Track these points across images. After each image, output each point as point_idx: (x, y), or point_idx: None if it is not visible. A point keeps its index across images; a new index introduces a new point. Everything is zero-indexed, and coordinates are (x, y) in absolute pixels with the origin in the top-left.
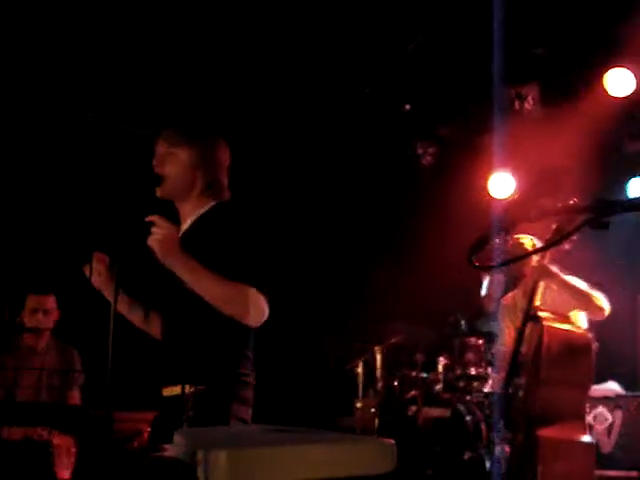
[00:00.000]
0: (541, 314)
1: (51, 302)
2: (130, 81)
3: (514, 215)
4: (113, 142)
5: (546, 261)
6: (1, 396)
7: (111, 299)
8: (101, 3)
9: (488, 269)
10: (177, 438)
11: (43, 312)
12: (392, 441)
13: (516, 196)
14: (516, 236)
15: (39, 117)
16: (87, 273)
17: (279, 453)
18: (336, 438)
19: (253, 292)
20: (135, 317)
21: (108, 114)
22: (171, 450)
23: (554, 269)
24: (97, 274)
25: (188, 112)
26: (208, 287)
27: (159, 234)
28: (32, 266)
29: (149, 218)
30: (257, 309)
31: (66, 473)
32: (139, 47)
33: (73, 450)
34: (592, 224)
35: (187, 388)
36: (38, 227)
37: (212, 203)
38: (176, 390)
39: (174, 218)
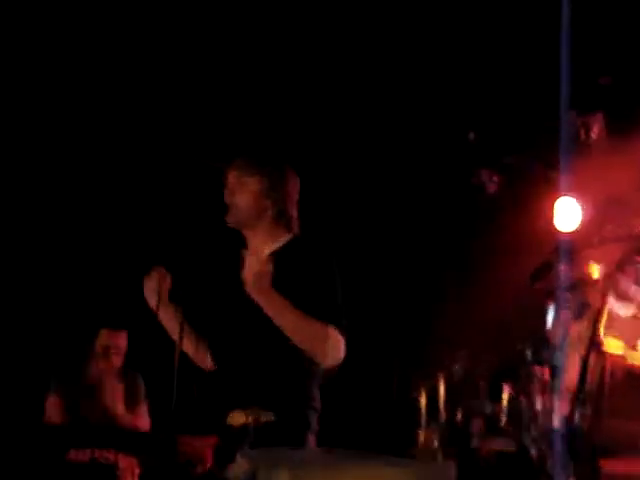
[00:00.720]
0: (605, 342)
1: (123, 339)
2: (200, 113)
3: (577, 242)
4: (187, 175)
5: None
6: (71, 419)
7: (164, 320)
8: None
9: (550, 294)
10: (239, 459)
11: (114, 349)
12: (451, 462)
13: (580, 225)
14: (587, 265)
15: (119, 147)
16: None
17: (340, 472)
18: (396, 461)
19: (333, 332)
20: (188, 347)
21: (186, 149)
22: (233, 470)
23: (623, 281)
24: (153, 291)
25: (258, 144)
26: (293, 325)
27: (256, 269)
28: (105, 300)
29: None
30: (336, 349)
31: None
32: (209, 82)
33: (137, 472)
34: None
35: (253, 416)
36: (109, 261)
37: (287, 237)
38: (244, 418)
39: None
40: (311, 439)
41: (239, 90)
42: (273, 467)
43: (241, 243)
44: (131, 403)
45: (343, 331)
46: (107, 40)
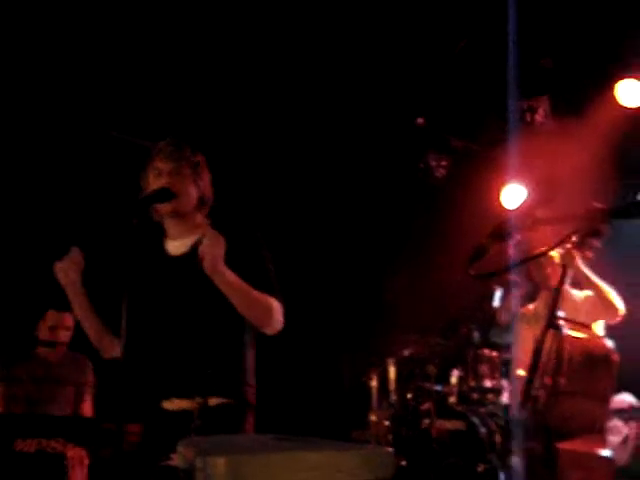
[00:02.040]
0: (562, 323)
1: (70, 319)
2: (131, 92)
3: (511, 224)
4: (115, 152)
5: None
6: (16, 408)
7: (73, 299)
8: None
9: (487, 277)
10: (180, 447)
11: (63, 329)
12: (390, 449)
13: (520, 207)
14: (543, 248)
15: (49, 128)
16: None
17: (277, 459)
18: (334, 445)
19: (275, 302)
20: (91, 329)
21: (109, 125)
22: (175, 459)
23: (578, 261)
24: (65, 272)
25: (179, 126)
26: (243, 298)
27: (216, 247)
28: (52, 282)
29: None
30: (278, 319)
31: None
32: (138, 58)
33: (86, 462)
34: (588, 232)
35: (199, 400)
36: (57, 242)
37: (207, 220)
38: (185, 403)
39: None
40: (250, 418)
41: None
42: (210, 455)
43: (159, 228)
44: (79, 390)
45: (281, 300)
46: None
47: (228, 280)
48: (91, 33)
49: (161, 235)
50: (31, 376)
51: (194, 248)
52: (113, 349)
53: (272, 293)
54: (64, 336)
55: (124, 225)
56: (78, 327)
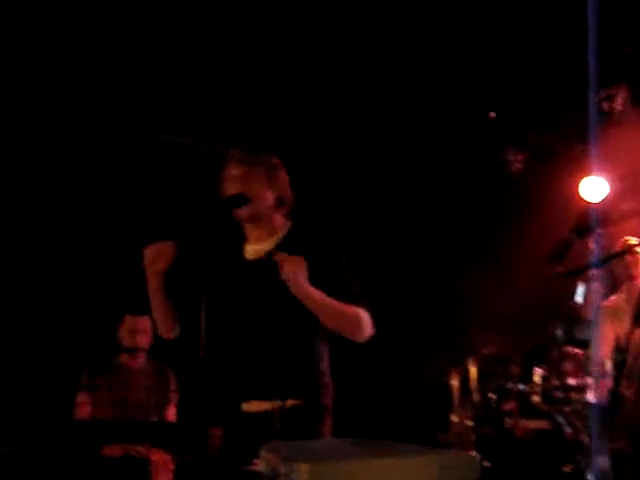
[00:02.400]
0: None
1: (147, 323)
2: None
3: (598, 218)
4: (185, 159)
5: None
6: (101, 415)
7: (152, 289)
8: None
9: (574, 274)
10: (263, 452)
11: (141, 333)
12: (475, 453)
13: (604, 200)
14: (625, 238)
15: (112, 139)
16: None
17: (360, 466)
18: (417, 450)
19: (363, 312)
20: (158, 312)
21: (179, 132)
22: (258, 464)
23: None
24: (153, 260)
25: (247, 133)
26: (329, 312)
27: (297, 267)
28: (128, 287)
29: (277, 257)
30: (368, 327)
31: None
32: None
33: (170, 466)
34: None
35: (278, 403)
36: (135, 248)
37: (288, 225)
38: (265, 405)
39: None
40: (328, 421)
41: (231, 78)
42: (295, 461)
43: (240, 233)
44: (162, 396)
45: (367, 307)
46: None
47: (313, 298)
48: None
49: (242, 239)
50: (115, 384)
51: (270, 253)
52: (174, 332)
53: (358, 303)
54: (142, 341)
55: (205, 230)
56: (158, 337)
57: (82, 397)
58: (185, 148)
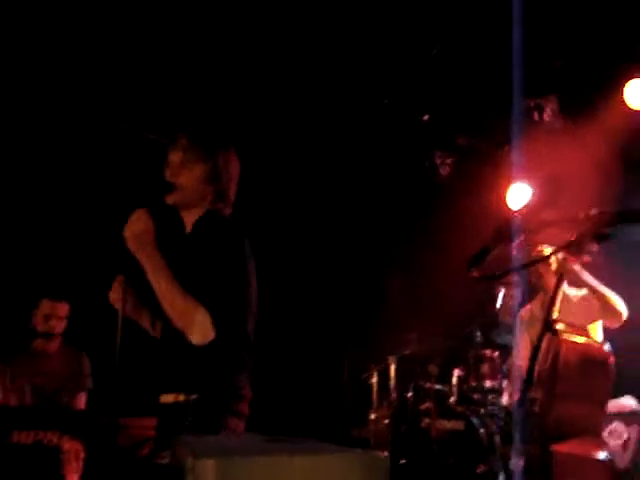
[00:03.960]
0: (559, 326)
1: (65, 309)
2: (139, 85)
3: (515, 226)
4: (123, 146)
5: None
6: (13, 400)
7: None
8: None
9: (489, 279)
10: (174, 445)
11: (56, 318)
12: (385, 454)
13: (525, 207)
14: (539, 247)
15: (53, 122)
16: (114, 298)
17: (267, 463)
18: (327, 449)
19: (202, 313)
20: (144, 321)
21: (119, 119)
22: (169, 457)
23: (577, 267)
24: (119, 298)
25: (200, 120)
26: (164, 291)
27: (136, 226)
28: (46, 271)
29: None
30: (200, 330)
31: (75, 477)
32: (148, 52)
33: (82, 455)
34: (592, 236)
35: (184, 396)
36: (53, 232)
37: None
38: (172, 398)
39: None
40: (234, 423)
41: (180, 64)
42: (200, 457)
43: (177, 219)
44: (75, 382)
45: (216, 314)
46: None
47: (151, 267)
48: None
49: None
50: (28, 369)
51: (187, 238)
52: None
53: (205, 304)
54: (58, 326)
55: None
56: (71, 319)
57: None
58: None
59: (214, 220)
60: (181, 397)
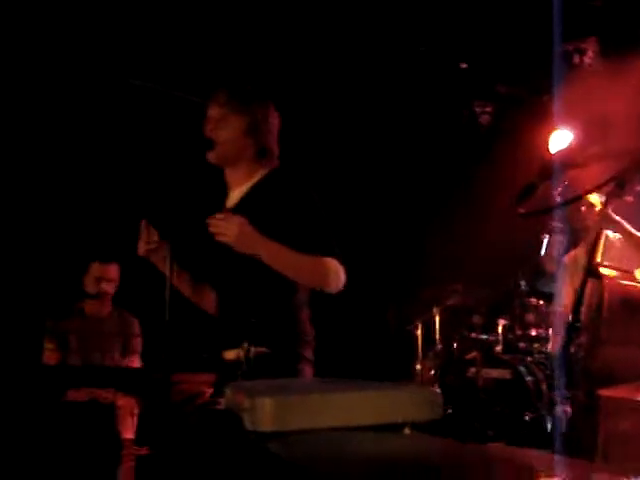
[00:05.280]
0: (603, 270)
1: (114, 271)
2: (177, 47)
3: (562, 163)
4: (162, 109)
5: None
6: (67, 360)
7: (159, 265)
8: None
9: (536, 215)
10: (227, 391)
11: (107, 281)
12: (438, 390)
13: (568, 147)
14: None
15: (85, 86)
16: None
17: (325, 399)
18: (382, 386)
19: (334, 263)
20: (184, 287)
21: (156, 81)
22: (222, 403)
23: (617, 218)
24: (145, 243)
25: (238, 76)
26: (292, 267)
27: (232, 230)
28: (95, 234)
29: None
30: (338, 278)
31: (129, 433)
32: (184, 14)
33: (136, 411)
34: (630, 176)
35: (247, 350)
36: (98, 196)
37: (265, 171)
38: (236, 353)
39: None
40: (307, 370)
41: (221, 22)
42: (256, 396)
43: (221, 178)
44: (126, 342)
45: (340, 258)
46: None
47: (270, 254)
48: None
49: (223, 185)
50: (80, 329)
51: (242, 200)
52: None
53: (328, 253)
54: (109, 287)
55: (185, 178)
56: (122, 282)
57: (48, 342)
58: (163, 97)
59: (276, 179)
60: (244, 352)
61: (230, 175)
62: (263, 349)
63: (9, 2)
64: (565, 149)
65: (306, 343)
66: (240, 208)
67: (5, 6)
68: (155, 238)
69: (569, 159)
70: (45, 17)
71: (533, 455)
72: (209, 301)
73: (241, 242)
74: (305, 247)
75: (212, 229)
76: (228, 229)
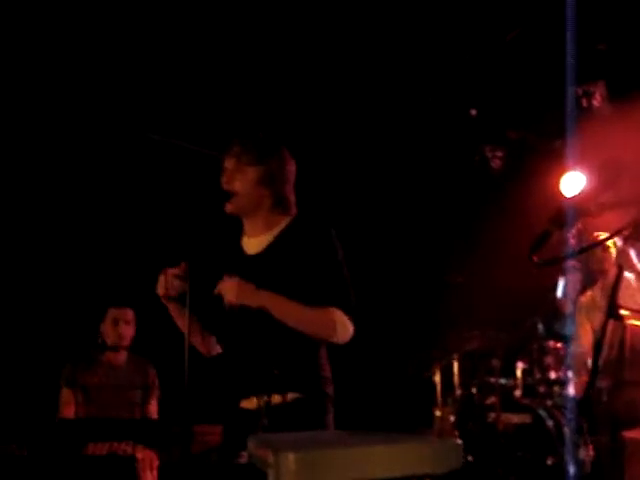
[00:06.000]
0: (622, 312)
1: (130, 315)
2: (193, 101)
3: (576, 210)
4: (181, 163)
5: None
6: (84, 413)
7: (174, 314)
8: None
9: (551, 264)
10: (250, 444)
11: (124, 323)
12: (458, 440)
13: (581, 192)
14: (596, 233)
15: (105, 140)
16: (160, 287)
17: (347, 454)
18: (402, 438)
19: (339, 315)
20: (194, 336)
21: (174, 135)
22: (245, 456)
23: (634, 259)
24: (170, 287)
25: (252, 126)
26: (294, 318)
27: (230, 289)
28: (111, 281)
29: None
30: (343, 329)
31: None
32: (199, 68)
33: (156, 463)
34: None
35: (264, 399)
36: (119, 243)
37: (287, 219)
38: (254, 403)
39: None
40: (329, 422)
41: (232, 75)
42: (280, 451)
43: (239, 229)
44: (144, 392)
45: (349, 309)
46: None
47: (270, 304)
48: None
49: (239, 233)
50: (98, 382)
51: (268, 248)
52: (215, 349)
53: (336, 304)
54: (127, 332)
55: (201, 226)
56: (140, 334)
57: (65, 394)
58: (181, 151)
59: (299, 227)
60: (261, 400)
61: (248, 225)
62: (292, 395)
63: (29, 55)
64: (578, 194)
65: (328, 381)
66: (265, 256)
67: (25, 59)
68: (176, 272)
69: (583, 205)
70: (63, 70)
71: None
72: (212, 347)
73: (242, 298)
74: (313, 297)
75: (217, 292)
76: (227, 289)
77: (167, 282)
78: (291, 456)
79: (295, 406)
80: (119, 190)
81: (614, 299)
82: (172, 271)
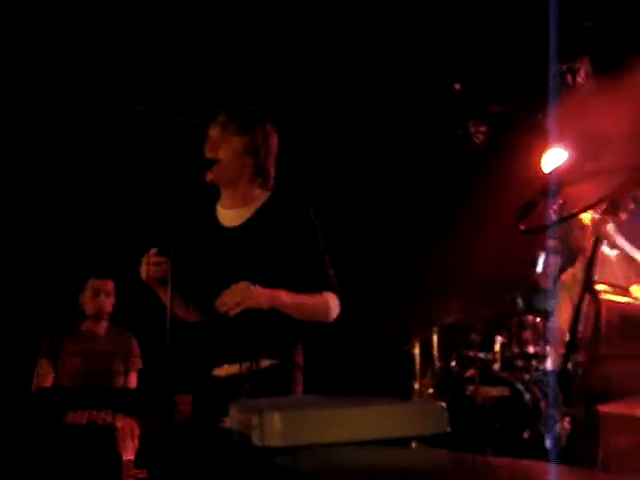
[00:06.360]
0: (599, 287)
1: (111, 286)
2: (180, 71)
3: (561, 180)
4: (165, 133)
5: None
6: (65, 382)
7: (158, 292)
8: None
9: (535, 232)
10: (232, 410)
11: (104, 294)
12: (443, 404)
13: (565, 164)
14: (576, 209)
15: (92, 110)
16: (143, 273)
17: (333, 415)
18: (389, 401)
19: (332, 298)
20: (177, 309)
21: (159, 105)
22: (228, 422)
23: (611, 231)
24: (156, 268)
25: (238, 97)
26: (299, 312)
27: (257, 296)
28: (92, 251)
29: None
30: (334, 311)
31: (130, 454)
32: (187, 37)
33: (136, 432)
34: (624, 194)
35: (244, 367)
36: (97, 214)
37: (266, 194)
38: (233, 369)
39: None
40: (299, 376)
41: (220, 43)
42: (265, 412)
43: (212, 199)
44: (125, 362)
45: (336, 290)
46: None
47: (285, 305)
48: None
49: (214, 202)
50: (78, 350)
51: (248, 221)
52: (195, 316)
53: (326, 288)
54: (107, 303)
55: (178, 195)
56: (121, 303)
57: (44, 364)
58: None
59: (279, 204)
60: (245, 366)
61: (226, 196)
62: (271, 361)
63: (11, 23)
64: (560, 167)
65: (299, 351)
66: (245, 230)
67: (7, 28)
68: (158, 260)
69: (564, 177)
70: (46, 41)
71: (541, 466)
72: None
73: (269, 302)
74: (305, 282)
75: (221, 308)
76: (255, 296)
77: (149, 269)
78: (276, 416)
79: (269, 373)
80: (100, 161)
81: (589, 274)
82: (155, 259)
